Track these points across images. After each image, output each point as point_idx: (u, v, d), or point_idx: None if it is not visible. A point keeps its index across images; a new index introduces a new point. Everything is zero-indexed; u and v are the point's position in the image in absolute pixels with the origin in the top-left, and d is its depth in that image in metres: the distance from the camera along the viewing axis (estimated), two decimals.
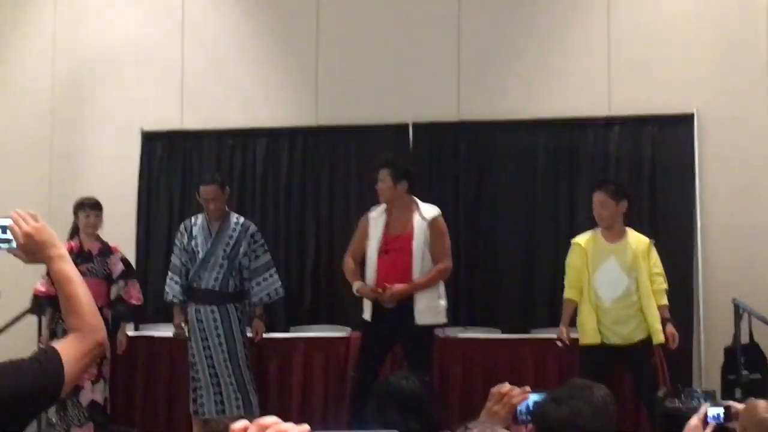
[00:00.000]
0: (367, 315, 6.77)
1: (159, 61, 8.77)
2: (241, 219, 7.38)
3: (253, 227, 7.34)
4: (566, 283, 6.75)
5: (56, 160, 8.90)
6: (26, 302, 7.36)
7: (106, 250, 7.42)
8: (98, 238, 7.44)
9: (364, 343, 6.85)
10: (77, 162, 8.85)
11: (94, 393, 7.10)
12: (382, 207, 6.87)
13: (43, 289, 7.20)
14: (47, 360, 2.36)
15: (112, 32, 8.85)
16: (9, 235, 2.52)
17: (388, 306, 6.60)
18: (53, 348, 2.41)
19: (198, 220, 7.36)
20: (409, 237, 6.68)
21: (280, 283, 7.34)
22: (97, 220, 7.41)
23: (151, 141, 8.72)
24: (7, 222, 2.52)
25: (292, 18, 8.64)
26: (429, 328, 6.69)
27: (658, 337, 6.50)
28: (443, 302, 6.80)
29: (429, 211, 6.77)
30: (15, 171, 8.71)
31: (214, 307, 7.17)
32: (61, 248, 2.53)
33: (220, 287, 7.19)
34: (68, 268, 2.52)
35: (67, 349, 2.40)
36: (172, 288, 7.36)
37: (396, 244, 6.71)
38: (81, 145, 8.89)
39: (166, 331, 7.74)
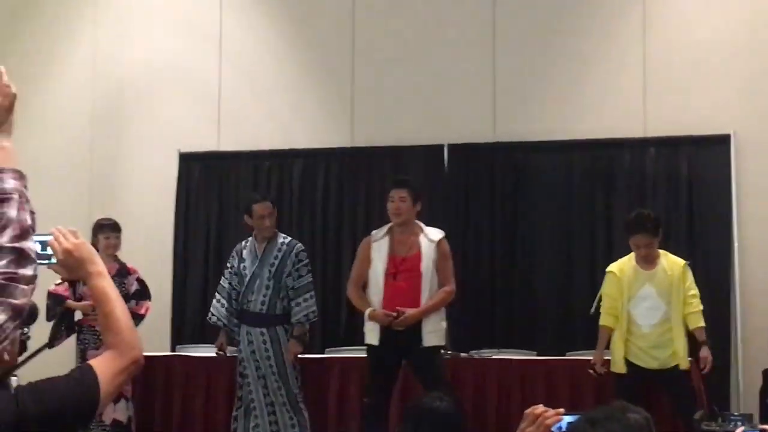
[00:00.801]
0: (374, 340, 6.68)
1: (196, 84, 8.86)
2: (288, 239, 7.35)
3: (299, 246, 7.31)
4: (602, 310, 6.72)
5: (95, 181, 8.99)
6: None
7: (124, 271, 7.45)
8: (116, 259, 7.44)
9: (374, 368, 6.77)
10: (116, 183, 8.94)
11: (116, 412, 7.14)
12: (384, 230, 6.82)
13: (60, 290, 7.28)
14: (83, 377, 2.36)
15: (150, 55, 8.96)
16: (49, 251, 2.57)
17: (399, 329, 6.59)
18: (89, 365, 2.42)
19: (247, 243, 7.37)
20: (418, 259, 6.64)
21: (315, 307, 7.31)
22: (117, 242, 7.40)
23: (188, 162, 8.80)
24: (48, 238, 2.57)
25: (328, 40, 8.70)
26: (436, 349, 6.66)
27: (684, 363, 6.46)
28: (444, 324, 6.78)
29: (435, 233, 6.74)
30: (55, 191, 8.80)
31: (264, 330, 7.17)
32: (100, 265, 2.56)
33: (268, 310, 7.18)
34: (107, 285, 2.54)
35: (103, 366, 2.41)
36: (218, 310, 7.35)
37: (404, 266, 6.67)
38: (119, 167, 8.99)
39: (202, 351, 7.78)
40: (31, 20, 9.31)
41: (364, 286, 6.80)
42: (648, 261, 6.58)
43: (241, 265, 7.28)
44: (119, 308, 2.51)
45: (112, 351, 2.46)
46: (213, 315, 7.37)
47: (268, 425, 7.09)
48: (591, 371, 6.65)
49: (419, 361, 6.60)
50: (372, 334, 6.70)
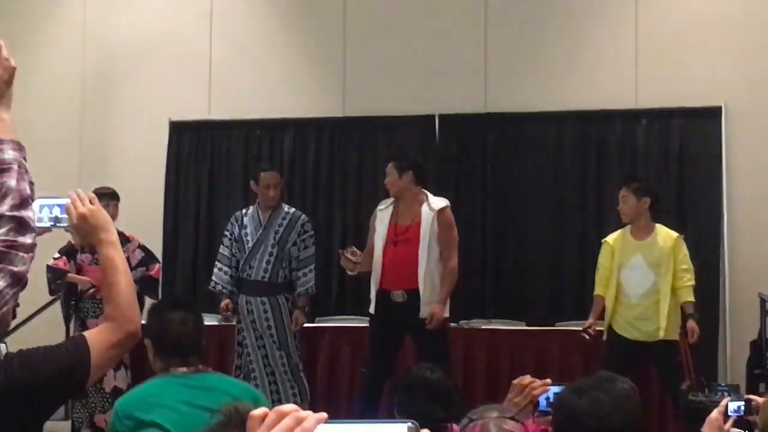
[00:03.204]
0: (372, 309, 6.76)
1: (187, 52, 8.82)
2: (292, 209, 7.38)
3: (303, 217, 7.34)
4: (596, 280, 6.79)
5: (85, 149, 8.97)
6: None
7: (122, 239, 7.43)
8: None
9: (373, 338, 6.83)
10: (106, 151, 8.92)
11: (116, 380, 7.18)
12: (389, 200, 6.86)
13: (60, 264, 7.29)
14: (75, 347, 2.38)
15: (141, 23, 8.91)
16: (66, 215, 2.61)
17: (398, 300, 6.62)
18: (82, 336, 2.44)
19: (249, 210, 7.36)
20: (417, 227, 6.67)
21: (314, 281, 7.36)
22: (115, 210, 7.34)
23: (178, 131, 8.78)
24: (66, 201, 2.60)
25: (319, 9, 8.66)
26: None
27: (670, 335, 6.51)
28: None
29: (438, 202, 6.75)
30: (44, 160, 8.72)
31: (265, 299, 7.18)
32: (113, 234, 2.58)
33: (270, 278, 7.19)
34: (115, 255, 2.57)
35: (97, 337, 2.42)
36: (221, 278, 7.34)
37: (404, 235, 6.70)
38: (109, 135, 8.96)
39: None
40: None
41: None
42: (640, 229, 6.65)
43: (243, 232, 7.27)
44: (123, 281, 2.53)
45: (109, 323, 2.48)
46: (216, 283, 7.34)
47: (269, 394, 7.12)
48: (583, 334, 6.69)
49: (420, 334, 6.62)
50: (372, 303, 6.75)
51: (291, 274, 7.26)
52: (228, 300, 7.30)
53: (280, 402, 6.89)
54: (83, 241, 2.62)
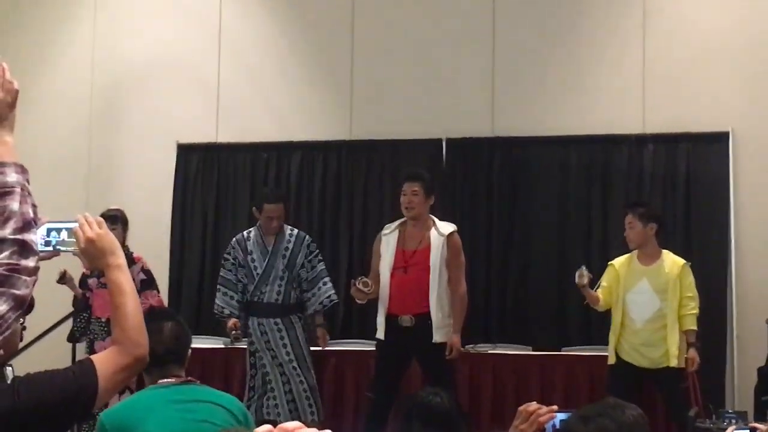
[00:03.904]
0: (380, 333, 6.72)
1: (195, 75, 8.85)
2: (295, 230, 7.37)
3: (308, 238, 7.33)
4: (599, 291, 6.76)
5: (93, 171, 8.99)
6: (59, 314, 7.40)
7: (129, 260, 7.37)
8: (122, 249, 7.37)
9: (380, 363, 6.79)
10: (113, 173, 8.94)
11: None
12: (395, 224, 6.83)
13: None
14: (81, 371, 2.37)
15: (149, 46, 8.94)
16: (74, 239, 2.61)
17: (405, 325, 6.60)
18: (89, 359, 2.43)
19: (251, 235, 7.34)
20: (427, 252, 6.64)
21: (333, 290, 7.34)
22: (116, 233, 7.29)
23: (186, 153, 8.79)
24: (73, 225, 2.60)
25: (327, 33, 8.69)
26: (444, 345, 6.65)
27: (672, 361, 6.47)
28: (451, 320, 6.76)
29: (446, 227, 6.74)
30: (52, 181, 8.78)
31: (278, 319, 7.17)
32: (120, 258, 2.58)
33: (283, 300, 7.19)
34: (123, 279, 2.56)
35: (105, 361, 2.41)
36: (227, 303, 7.29)
37: (413, 259, 6.67)
38: (117, 157, 8.98)
39: (199, 343, 7.75)
40: (31, 10, 9.29)
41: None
42: (646, 255, 6.64)
43: (249, 257, 7.26)
44: (131, 305, 2.52)
45: (116, 347, 2.47)
46: (223, 308, 7.29)
47: (288, 412, 7.11)
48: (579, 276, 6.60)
49: (429, 358, 6.59)
50: (380, 328, 6.72)
51: (302, 294, 7.26)
52: (236, 319, 7.28)
53: (299, 419, 6.88)
54: (91, 265, 2.62)
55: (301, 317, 7.25)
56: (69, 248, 2.67)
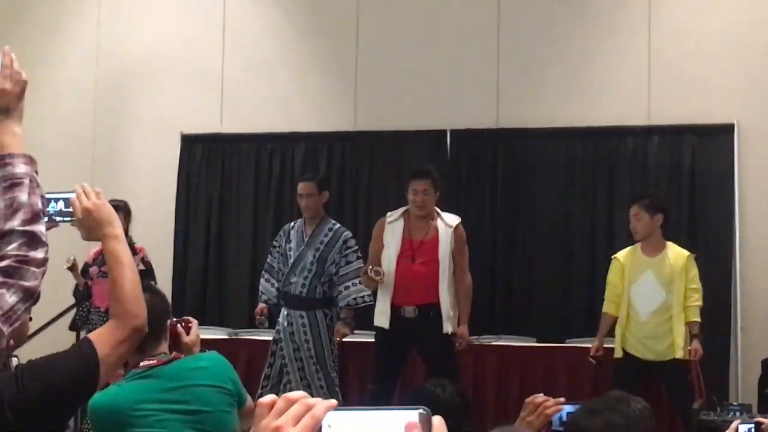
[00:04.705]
0: (384, 322, 6.64)
1: (199, 66, 8.84)
2: (337, 225, 7.31)
3: (347, 233, 7.25)
4: (605, 297, 6.74)
5: (97, 162, 8.98)
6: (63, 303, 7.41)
7: (131, 249, 7.37)
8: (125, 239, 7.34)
9: (381, 354, 6.74)
10: (118, 164, 8.93)
11: None
12: (399, 212, 6.80)
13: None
14: (81, 352, 2.37)
15: (153, 37, 8.93)
16: (71, 209, 2.59)
17: (409, 316, 6.58)
18: (87, 339, 2.42)
19: (297, 224, 7.33)
20: (435, 243, 6.63)
21: (363, 294, 7.18)
22: (125, 223, 7.29)
23: (190, 144, 8.79)
24: (71, 195, 2.58)
25: (331, 23, 8.67)
26: (450, 336, 6.64)
27: (678, 353, 6.46)
28: (454, 312, 6.75)
29: (451, 218, 6.73)
30: (57, 174, 8.72)
31: (303, 313, 7.13)
32: (117, 228, 2.57)
33: (308, 293, 7.15)
34: (119, 250, 2.55)
35: (102, 338, 2.41)
36: (268, 290, 7.31)
37: (421, 250, 6.65)
38: (122, 148, 8.98)
39: (202, 333, 7.75)
40: (35, 2, 9.29)
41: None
42: (650, 246, 6.61)
43: (288, 245, 7.25)
44: (128, 275, 2.51)
45: (113, 320, 2.46)
46: (263, 294, 7.31)
47: None
48: (591, 359, 6.66)
49: (434, 349, 6.58)
50: (383, 317, 6.66)
51: (330, 290, 7.19)
52: (264, 305, 7.28)
53: None
54: (88, 236, 2.59)
55: (328, 314, 7.19)
56: (66, 218, 2.66)
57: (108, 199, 2.67)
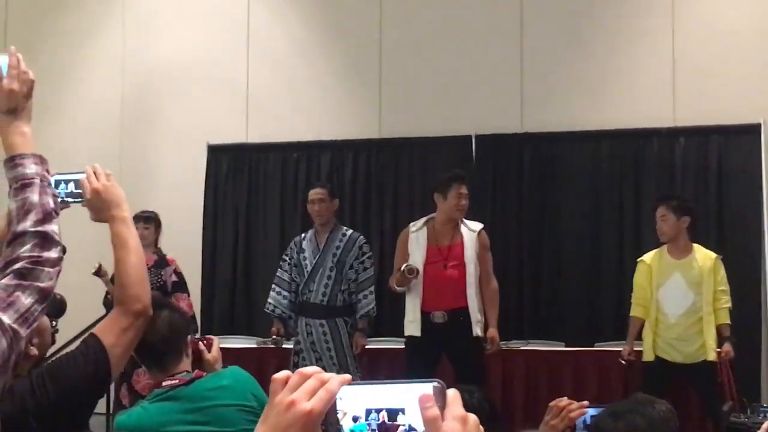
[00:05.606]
0: (416, 331, 6.63)
1: (224, 76, 8.89)
2: (350, 231, 7.34)
3: (361, 239, 7.28)
4: (633, 300, 6.71)
5: (125, 173, 9.01)
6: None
7: (162, 262, 7.37)
8: (154, 250, 7.36)
9: (413, 361, 6.69)
10: (145, 175, 8.99)
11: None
12: (422, 221, 6.80)
13: None
14: (88, 348, 2.38)
15: (179, 48, 9.00)
16: (81, 189, 2.60)
17: (438, 321, 6.58)
18: (91, 333, 2.42)
19: (308, 235, 7.34)
20: (460, 248, 6.64)
21: (374, 303, 7.20)
22: (147, 233, 7.22)
23: (217, 155, 8.84)
24: (81, 176, 2.59)
25: (356, 31, 8.70)
26: (479, 340, 6.64)
27: (710, 354, 6.41)
28: (481, 316, 6.74)
29: (474, 224, 6.76)
30: None
31: (324, 321, 7.11)
32: (125, 210, 2.57)
33: (329, 301, 7.13)
34: (126, 232, 2.54)
35: (107, 329, 2.41)
36: (279, 302, 7.28)
37: (451, 254, 6.67)
38: (149, 159, 9.04)
39: (231, 343, 7.80)
40: (61, 15, 9.38)
41: None
42: (678, 249, 6.56)
43: (301, 256, 7.24)
44: (133, 259, 2.50)
45: (116, 308, 2.46)
46: (275, 307, 7.25)
47: None
48: (622, 361, 6.64)
49: (463, 353, 6.57)
50: (413, 325, 6.66)
51: (350, 297, 7.19)
52: (278, 326, 7.29)
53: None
54: (96, 217, 2.59)
55: (348, 321, 7.19)
56: (77, 200, 2.66)
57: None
